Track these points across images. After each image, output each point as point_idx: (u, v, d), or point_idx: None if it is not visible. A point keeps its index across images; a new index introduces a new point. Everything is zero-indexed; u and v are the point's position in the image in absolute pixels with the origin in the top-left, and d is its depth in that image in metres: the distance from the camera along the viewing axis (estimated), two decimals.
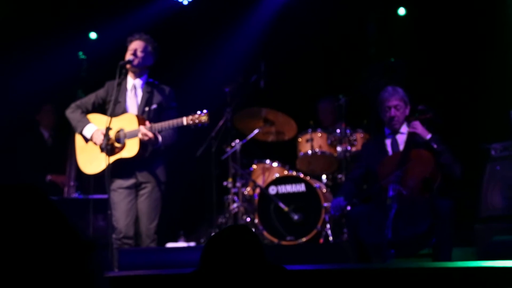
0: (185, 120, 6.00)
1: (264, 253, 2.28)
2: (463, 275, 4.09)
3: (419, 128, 6.02)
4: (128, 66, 6.31)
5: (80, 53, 8.68)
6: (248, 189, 7.94)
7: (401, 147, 6.09)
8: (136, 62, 6.30)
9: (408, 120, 6.13)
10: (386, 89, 6.20)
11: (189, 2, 8.90)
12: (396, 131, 6.17)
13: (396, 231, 5.48)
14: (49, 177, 8.22)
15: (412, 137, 6.03)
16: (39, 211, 1.56)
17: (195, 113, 6.00)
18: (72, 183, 8.05)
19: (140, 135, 6.06)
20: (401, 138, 6.14)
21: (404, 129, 6.16)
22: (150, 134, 6.03)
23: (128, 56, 6.31)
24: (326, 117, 8.47)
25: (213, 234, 2.37)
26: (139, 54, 6.32)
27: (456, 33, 8.35)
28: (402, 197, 5.68)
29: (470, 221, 6.32)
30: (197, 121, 5.98)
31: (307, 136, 7.93)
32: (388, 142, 6.19)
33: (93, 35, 9.14)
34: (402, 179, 5.77)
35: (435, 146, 5.92)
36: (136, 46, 6.33)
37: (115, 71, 6.21)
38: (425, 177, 5.78)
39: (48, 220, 1.56)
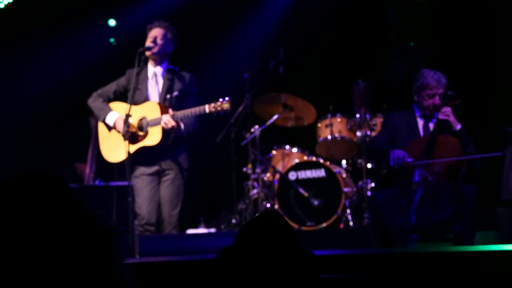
0: (207, 108, 6.01)
1: (296, 239, 2.30)
2: (484, 259, 4.07)
3: (451, 116, 5.89)
4: (148, 53, 6.32)
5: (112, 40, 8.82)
6: (268, 175, 7.94)
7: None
8: (156, 49, 6.31)
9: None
10: (433, 73, 6.00)
11: None
12: (428, 116, 6.06)
13: (420, 216, 5.45)
14: (76, 165, 8.35)
15: (441, 124, 5.92)
16: (57, 198, 1.57)
17: (217, 100, 6.00)
18: (90, 170, 8.09)
19: (162, 124, 6.07)
20: (431, 124, 6.06)
21: (435, 114, 6.07)
22: (173, 123, 6.05)
23: (148, 44, 6.32)
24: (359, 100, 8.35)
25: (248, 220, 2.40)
26: (159, 41, 6.32)
27: (476, 15, 8.28)
28: (428, 182, 5.64)
29: (491, 205, 6.28)
30: (219, 108, 5.98)
31: (327, 121, 7.90)
32: (420, 123, 6.09)
33: (112, 22, 9.14)
34: (428, 164, 5.72)
35: (464, 137, 5.83)
36: (155, 33, 6.33)
37: (134, 58, 6.23)
38: (451, 163, 5.74)
39: (66, 207, 1.56)
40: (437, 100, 5.94)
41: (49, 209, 1.55)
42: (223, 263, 2.24)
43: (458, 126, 5.87)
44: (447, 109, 5.90)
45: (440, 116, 5.91)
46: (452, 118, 5.87)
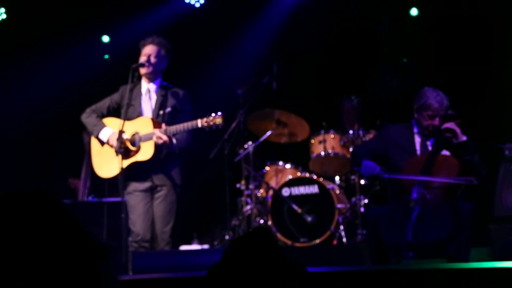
0: (199, 123, 5.99)
1: (282, 252, 2.29)
2: (478, 275, 4.07)
3: (457, 128, 5.85)
4: (141, 72, 6.30)
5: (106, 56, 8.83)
6: (261, 191, 7.93)
7: (429, 149, 5.98)
8: (150, 69, 6.30)
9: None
10: (436, 94, 5.89)
11: (201, 4, 8.90)
12: (426, 135, 6.03)
13: (416, 234, 5.42)
14: (70, 180, 8.34)
15: (442, 135, 5.87)
16: (51, 216, 1.56)
17: (210, 115, 5.99)
18: (84, 187, 8.07)
19: (154, 138, 6.06)
20: (430, 142, 6.03)
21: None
22: (165, 137, 6.03)
23: (141, 60, 6.31)
24: (348, 117, 8.34)
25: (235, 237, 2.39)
26: (152, 60, 6.30)
27: (469, 33, 8.31)
28: (426, 200, 5.63)
29: (484, 222, 6.28)
30: (211, 123, 5.97)
31: (320, 138, 7.91)
32: (417, 140, 6.05)
33: (105, 39, 9.14)
34: (426, 183, 5.70)
35: (469, 147, 5.80)
36: (149, 51, 6.31)
37: (128, 74, 6.23)
38: (449, 183, 5.72)
39: (60, 225, 1.55)
40: (436, 121, 5.88)
41: (42, 226, 1.54)
42: (212, 282, 2.23)
43: (464, 138, 5.80)
44: (450, 124, 5.84)
45: (445, 126, 5.83)
46: (458, 129, 5.82)
